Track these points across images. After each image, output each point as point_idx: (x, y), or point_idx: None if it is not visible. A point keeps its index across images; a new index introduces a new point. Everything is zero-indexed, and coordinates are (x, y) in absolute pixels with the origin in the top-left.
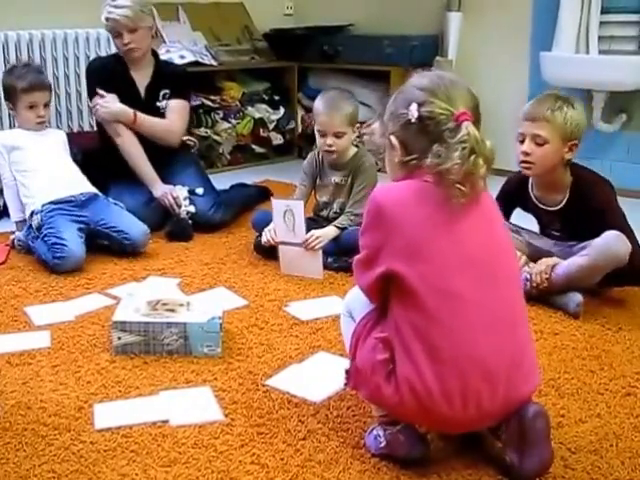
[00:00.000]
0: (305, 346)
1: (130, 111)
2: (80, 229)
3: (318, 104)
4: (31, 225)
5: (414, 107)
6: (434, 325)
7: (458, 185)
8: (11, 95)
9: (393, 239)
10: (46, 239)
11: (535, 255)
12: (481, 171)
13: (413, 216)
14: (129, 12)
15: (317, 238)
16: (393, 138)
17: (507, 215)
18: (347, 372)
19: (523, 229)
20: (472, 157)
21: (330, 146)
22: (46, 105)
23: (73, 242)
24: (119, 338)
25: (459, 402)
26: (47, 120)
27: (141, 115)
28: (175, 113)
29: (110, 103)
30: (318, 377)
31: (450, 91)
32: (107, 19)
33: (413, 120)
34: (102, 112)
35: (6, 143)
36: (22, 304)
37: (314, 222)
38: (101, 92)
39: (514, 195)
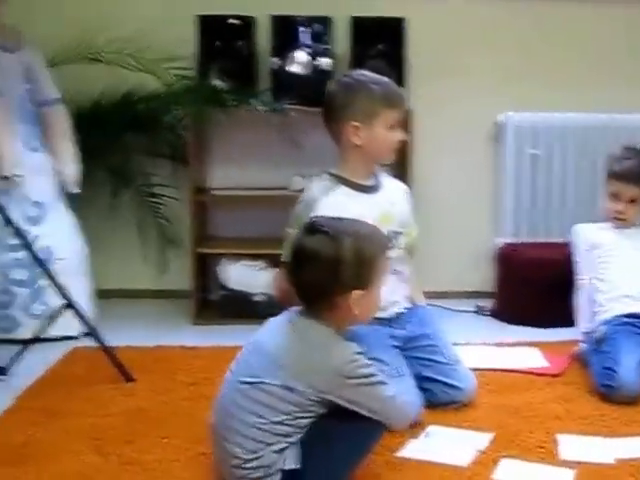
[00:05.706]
0: None
1: None
2: None
3: None
4: (594, 337)
5: None
6: None
7: None
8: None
9: None
10: (602, 358)
11: None
12: None
13: None
14: None
15: None
16: None
17: None
18: None
19: None
20: None
21: None
22: (633, 201)
23: (628, 370)
24: None
25: None
26: (632, 219)
27: None
28: None
29: None
30: None
31: None
32: None
33: None
34: None
35: (588, 238)
36: (558, 429)
37: None
38: None
39: None
